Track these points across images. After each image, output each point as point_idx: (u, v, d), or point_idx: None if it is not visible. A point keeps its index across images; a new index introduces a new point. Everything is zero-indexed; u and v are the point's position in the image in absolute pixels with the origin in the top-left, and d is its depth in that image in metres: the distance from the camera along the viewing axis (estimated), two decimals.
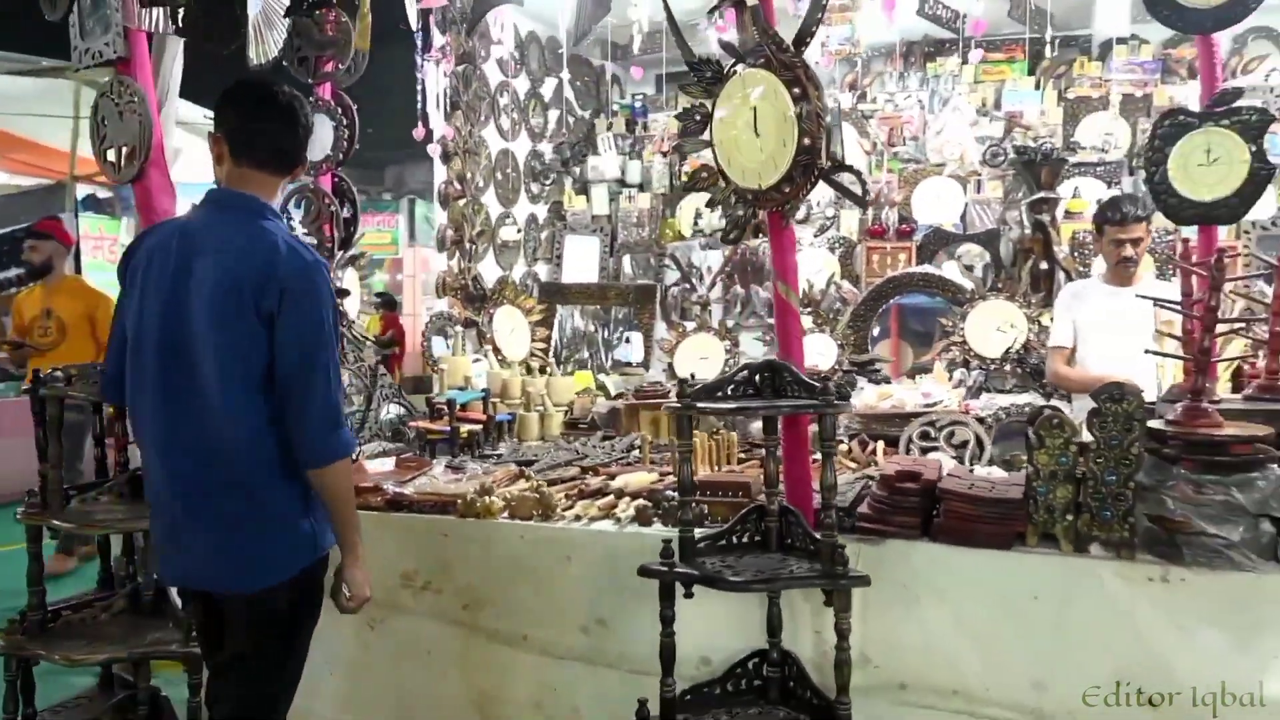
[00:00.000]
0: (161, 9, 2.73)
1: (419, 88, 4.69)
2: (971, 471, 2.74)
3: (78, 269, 8.70)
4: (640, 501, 2.78)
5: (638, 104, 6.43)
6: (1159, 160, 2.73)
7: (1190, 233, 3.29)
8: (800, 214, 3.97)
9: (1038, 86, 5.66)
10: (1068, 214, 5.01)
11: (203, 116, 7.46)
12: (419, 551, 2.90)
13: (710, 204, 2.49)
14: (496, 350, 4.63)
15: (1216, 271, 2.28)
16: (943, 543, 2.36)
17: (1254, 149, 2.62)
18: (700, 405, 2.24)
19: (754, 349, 5.14)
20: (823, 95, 2.25)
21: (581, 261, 6.01)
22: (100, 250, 11.00)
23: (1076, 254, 4.90)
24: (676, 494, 2.61)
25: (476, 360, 4.59)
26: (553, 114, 6.09)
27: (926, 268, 4.97)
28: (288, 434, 2.05)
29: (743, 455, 3.34)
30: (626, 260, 6.04)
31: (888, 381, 4.18)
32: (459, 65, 4.94)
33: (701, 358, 4.41)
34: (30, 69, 7.58)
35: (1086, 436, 2.30)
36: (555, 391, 4.34)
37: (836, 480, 2.21)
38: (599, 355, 5.64)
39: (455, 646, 2.86)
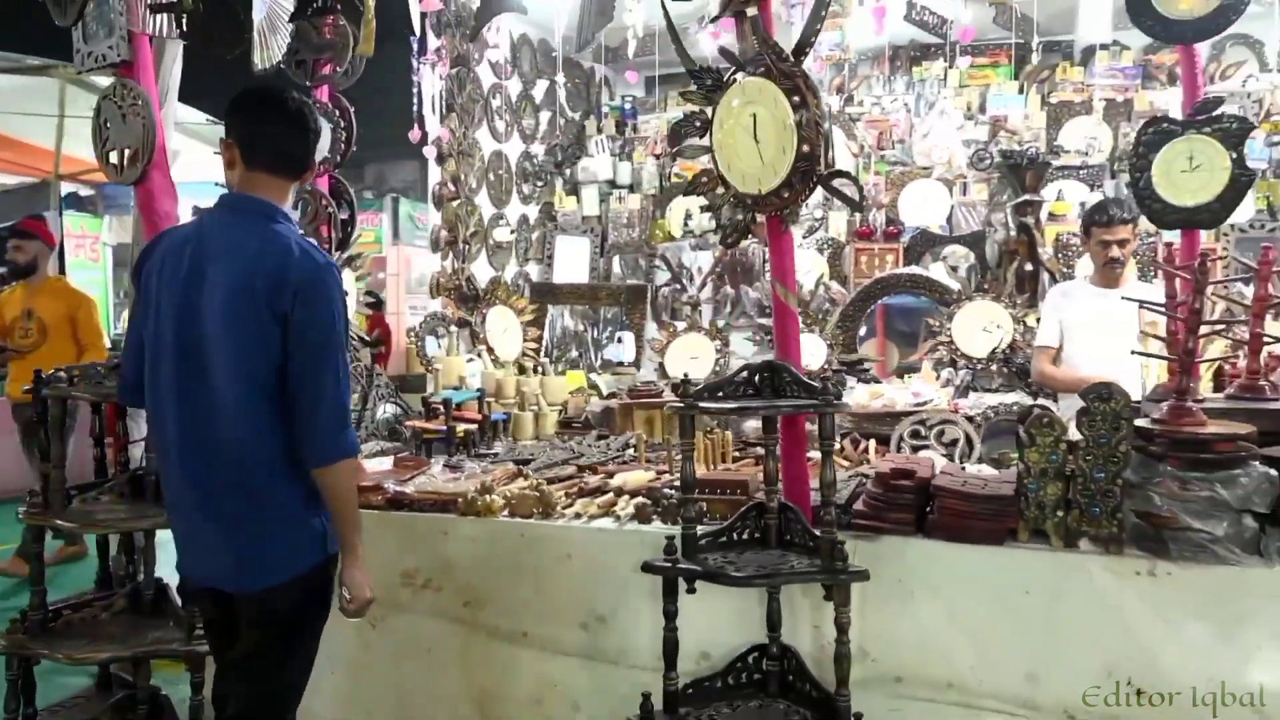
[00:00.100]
0: (166, 15, 2.75)
1: (415, 90, 4.71)
2: (963, 469, 2.80)
3: (61, 268, 8.65)
4: (639, 499, 2.82)
5: (627, 106, 6.49)
6: (1143, 166, 2.82)
7: (1171, 236, 3.38)
8: None
9: (1021, 91, 5.76)
10: (1051, 216, 5.10)
11: (205, 120, 7.46)
12: (419, 550, 2.93)
13: (710, 208, 2.54)
14: (490, 350, 4.67)
15: (1200, 275, 2.35)
16: (937, 539, 2.42)
17: (1234, 156, 2.71)
18: (703, 405, 2.29)
19: (744, 349, 5.20)
20: (821, 103, 2.31)
21: (572, 262, 6.06)
22: (82, 249, 10.95)
23: (1060, 255, 4.99)
24: (674, 492, 2.69)
25: (470, 360, 4.62)
26: (544, 116, 6.13)
27: (914, 269, 5.04)
28: (296, 433, 2.08)
29: (737, 454, 3.39)
30: (616, 260, 6.09)
31: (877, 381, 4.25)
32: (454, 68, 4.97)
33: (692, 357, 4.47)
34: (15, 67, 7.52)
35: (1075, 435, 2.38)
36: (549, 391, 4.39)
37: (835, 477, 2.27)
38: (588, 355, 5.68)
39: (456, 644, 2.89)
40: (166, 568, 3.07)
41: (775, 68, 2.31)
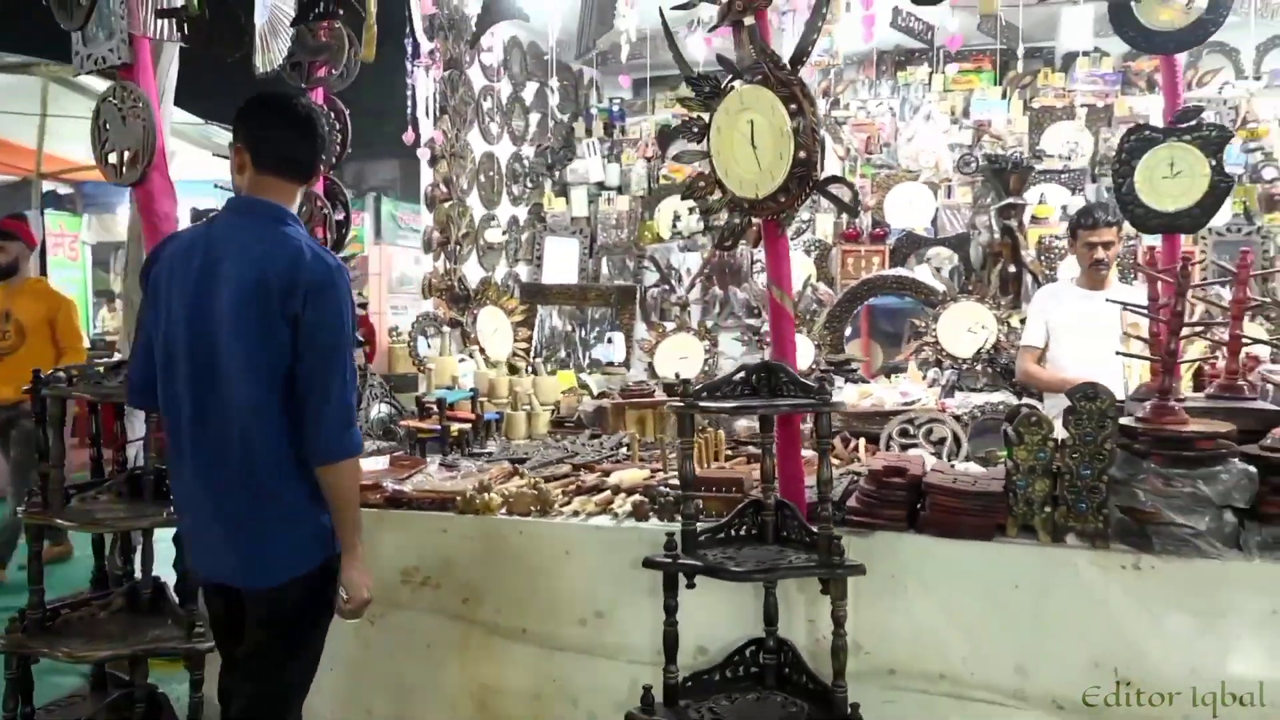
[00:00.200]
0: (168, 20, 2.77)
1: (409, 93, 4.74)
2: (952, 467, 2.87)
3: (43, 268, 8.57)
4: (636, 497, 2.87)
5: (615, 108, 6.53)
6: (1126, 173, 2.91)
7: (1152, 239, 3.47)
8: None
9: (1004, 96, 5.86)
10: (1034, 219, 5.20)
11: (201, 122, 7.43)
12: (418, 548, 2.97)
13: (708, 212, 2.60)
14: (483, 350, 4.71)
15: (1182, 279, 2.43)
16: (928, 534, 2.49)
17: (1214, 163, 2.80)
18: (703, 404, 2.35)
19: (733, 349, 5.27)
20: (817, 110, 2.37)
21: (561, 263, 6.10)
22: (61, 247, 10.85)
23: (1043, 258, 5.09)
24: (670, 489, 2.74)
25: (463, 360, 4.66)
26: (533, 118, 6.17)
27: (900, 270, 5.12)
28: (303, 431, 2.11)
29: (729, 452, 3.45)
30: (604, 261, 6.14)
31: (864, 381, 4.32)
32: (447, 70, 5.00)
33: (681, 357, 4.53)
34: None
35: (1062, 433, 2.45)
36: (541, 391, 4.43)
37: (833, 474, 2.33)
38: (576, 355, 5.73)
39: (455, 640, 2.92)
40: (164, 566, 3.10)
41: (772, 76, 2.37)
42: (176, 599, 3.01)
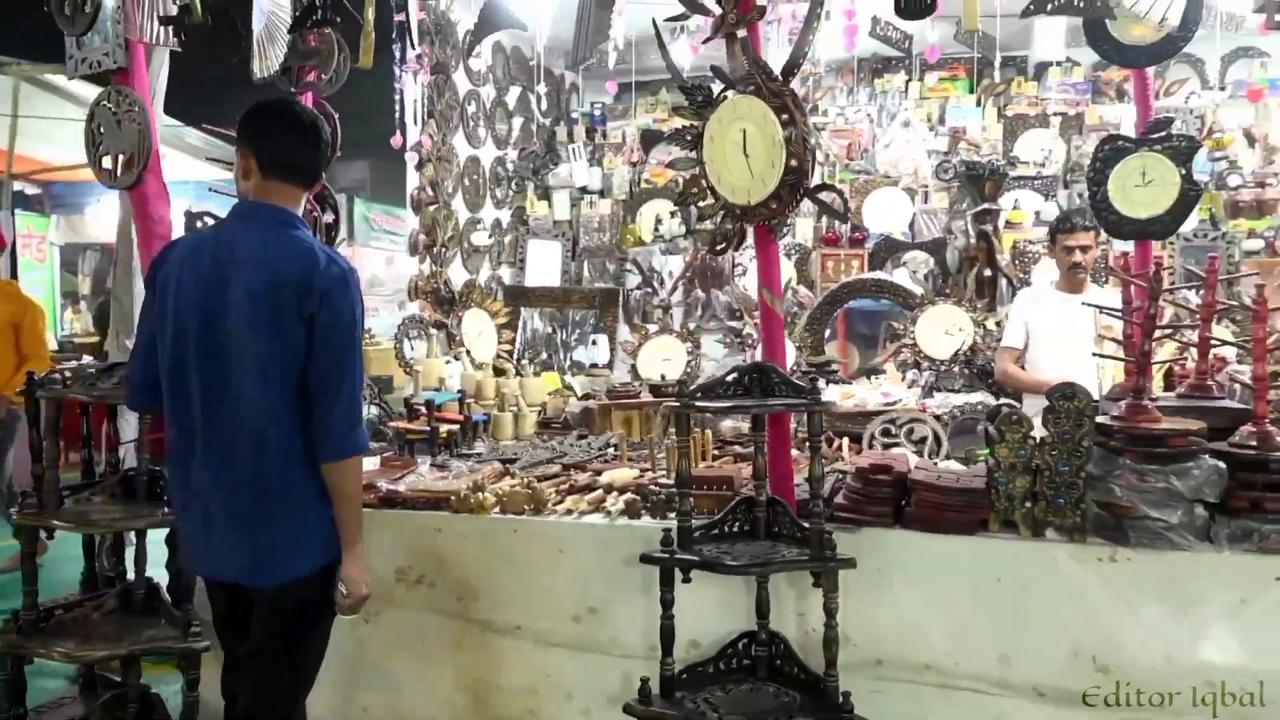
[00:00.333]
0: (166, 28, 2.80)
1: (398, 98, 4.77)
2: (934, 465, 2.96)
3: (14, 271, 8.46)
4: (629, 495, 2.93)
5: (597, 113, 6.60)
6: (1100, 181, 3.02)
7: (1124, 245, 3.59)
8: None
9: (979, 104, 5.99)
10: (1009, 224, 5.33)
11: (178, 124, 7.38)
12: (413, 547, 3.00)
13: (702, 217, 2.67)
14: (468, 352, 4.75)
15: (1155, 283, 2.54)
16: (914, 530, 2.57)
17: (1184, 172, 2.91)
18: (700, 404, 2.42)
19: (715, 351, 5.35)
20: (808, 120, 2.45)
21: (544, 265, 6.16)
22: (29, 248, 10.71)
23: (1018, 262, 5.22)
24: (661, 488, 2.81)
25: (449, 362, 4.70)
26: (516, 121, 6.22)
27: (878, 274, 5.23)
28: (312, 428, 2.15)
29: (716, 452, 3.52)
30: (586, 264, 6.20)
31: (844, 382, 4.41)
32: (433, 75, 5.04)
33: (664, 359, 4.59)
34: None
35: (1041, 431, 2.55)
36: (528, 392, 4.48)
37: (824, 472, 2.41)
38: (558, 357, 5.78)
39: (450, 637, 2.96)
40: (155, 567, 3.12)
41: (765, 86, 2.44)
42: (169, 599, 3.02)
